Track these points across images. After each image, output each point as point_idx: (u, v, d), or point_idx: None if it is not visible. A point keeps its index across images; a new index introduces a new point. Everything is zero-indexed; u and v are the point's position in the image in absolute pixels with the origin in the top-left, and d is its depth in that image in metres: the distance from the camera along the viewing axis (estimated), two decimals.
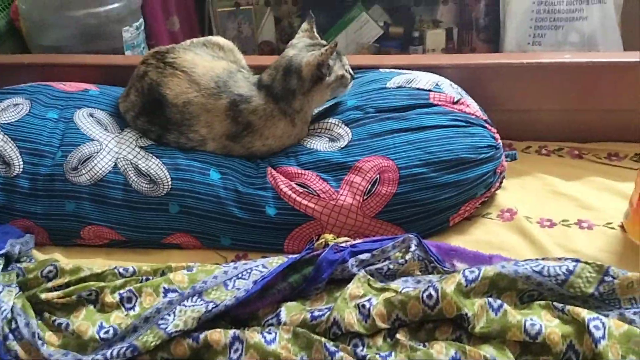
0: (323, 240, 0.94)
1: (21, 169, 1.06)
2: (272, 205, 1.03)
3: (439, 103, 1.11)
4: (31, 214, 1.04)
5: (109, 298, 0.87)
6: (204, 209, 1.03)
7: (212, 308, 0.83)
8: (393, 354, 0.78)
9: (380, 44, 1.84)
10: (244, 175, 1.07)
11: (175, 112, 1.08)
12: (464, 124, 1.09)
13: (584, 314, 0.77)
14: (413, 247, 0.91)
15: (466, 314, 0.79)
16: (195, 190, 1.04)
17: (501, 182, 1.13)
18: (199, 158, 1.08)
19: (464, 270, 0.84)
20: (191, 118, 1.08)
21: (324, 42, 1.15)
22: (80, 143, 1.08)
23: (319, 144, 1.09)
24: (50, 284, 0.90)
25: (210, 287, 0.87)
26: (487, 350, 0.77)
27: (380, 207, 1.02)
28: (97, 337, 0.82)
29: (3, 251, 0.94)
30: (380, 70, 1.23)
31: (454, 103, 1.12)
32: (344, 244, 0.93)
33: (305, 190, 1.03)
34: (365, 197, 1.02)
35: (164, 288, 0.88)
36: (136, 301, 0.87)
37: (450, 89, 1.15)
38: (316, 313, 0.83)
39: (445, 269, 0.90)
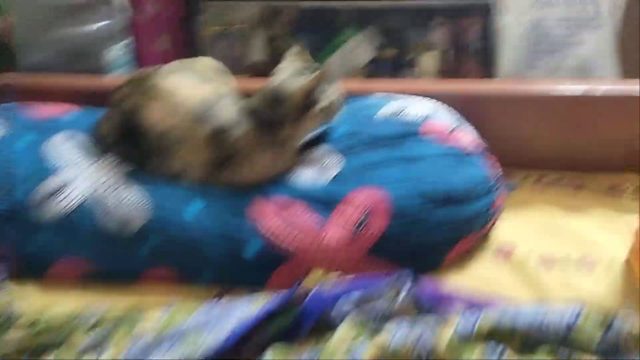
0: (311, 278, 0.89)
1: None
2: (256, 239, 0.97)
3: (434, 132, 1.07)
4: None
5: (71, 354, 0.80)
6: (185, 241, 0.97)
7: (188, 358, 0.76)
8: None
9: (372, 66, 1.81)
10: (227, 205, 1.01)
11: (156, 139, 1.03)
12: (461, 155, 1.04)
13: None
14: (407, 287, 0.86)
15: None
16: (174, 222, 0.98)
17: (499, 215, 1.08)
18: (179, 188, 1.02)
19: (460, 318, 0.79)
20: (171, 146, 1.02)
21: (314, 65, 1.10)
22: (55, 169, 1.02)
23: (307, 174, 1.04)
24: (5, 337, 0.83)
25: (188, 331, 0.81)
26: None
27: (372, 242, 0.96)
28: None
29: None
30: (374, 95, 1.18)
31: (449, 132, 1.07)
32: (333, 281, 0.87)
33: (292, 223, 0.97)
34: (356, 232, 0.96)
35: (135, 335, 0.81)
36: (103, 351, 0.80)
37: (446, 117, 1.11)
38: (305, 356, 0.78)
39: (441, 312, 0.84)
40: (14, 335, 0.84)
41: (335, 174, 1.02)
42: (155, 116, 1.03)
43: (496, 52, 1.68)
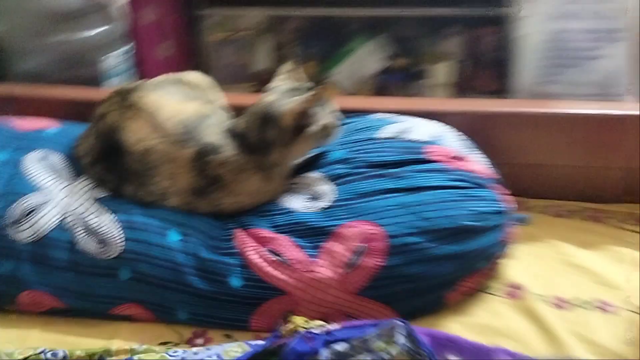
0: (292, 325, 0.80)
1: None
2: (237, 274, 0.89)
3: (437, 159, 0.98)
4: None
5: None
6: (159, 276, 0.89)
7: None
8: None
9: (383, 77, 1.75)
10: (208, 237, 0.93)
11: (135, 160, 0.95)
12: (467, 185, 0.95)
13: None
14: (400, 338, 0.77)
15: None
16: (150, 254, 0.90)
17: (509, 251, 0.98)
18: (158, 215, 0.94)
19: None
20: (152, 168, 0.94)
21: (308, 84, 1.02)
22: (25, 192, 0.95)
23: (297, 203, 0.96)
24: None
25: None
26: None
27: (365, 282, 0.87)
28: None
29: None
30: (374, 115, 1.10)
31: (456, 159, 0.98)
32: (317, 330, 0.78)
33: (277, 258, 0.89)
34: (347, 270, 0.87)
35: None
36: None
37: (452, 142, 1.02)
38: None
39: None
40: None
41: (327, 204, 0.94)
42: (135, 135, 0.95)
43: (513, 63, 1.59)
